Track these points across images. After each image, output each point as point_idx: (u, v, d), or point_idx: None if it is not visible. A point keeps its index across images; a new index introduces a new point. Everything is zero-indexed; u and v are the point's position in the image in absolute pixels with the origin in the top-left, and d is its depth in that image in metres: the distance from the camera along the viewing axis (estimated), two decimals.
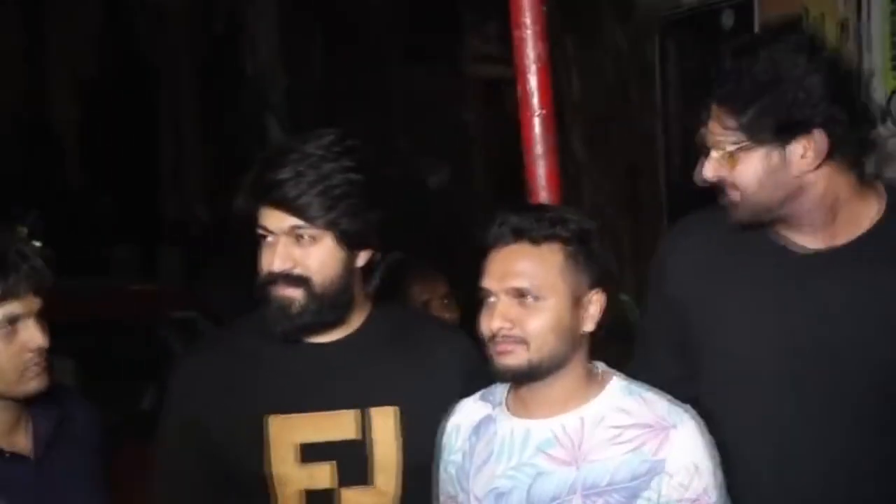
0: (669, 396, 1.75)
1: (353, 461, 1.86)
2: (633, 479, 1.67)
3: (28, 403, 1.93)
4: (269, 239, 1.84)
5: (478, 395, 1.86)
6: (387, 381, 1.89)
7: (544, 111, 2.19)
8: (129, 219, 9.76)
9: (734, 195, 1.84)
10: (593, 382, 1.76)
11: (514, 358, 1.70)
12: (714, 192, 1.89)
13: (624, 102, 5.31)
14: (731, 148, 1.81)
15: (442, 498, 1.86)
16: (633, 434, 1.69)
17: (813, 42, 1.81)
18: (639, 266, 2.12)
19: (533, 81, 2.19)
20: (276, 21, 8.96)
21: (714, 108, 1.82)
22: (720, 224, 1.91)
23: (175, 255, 9.51)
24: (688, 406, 1.74)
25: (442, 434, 1.86)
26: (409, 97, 7.25)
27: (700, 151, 1.87)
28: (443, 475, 1.85)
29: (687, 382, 1.91)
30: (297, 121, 8.06)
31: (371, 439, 1.87)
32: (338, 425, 1.86)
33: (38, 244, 2.08)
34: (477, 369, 1.83)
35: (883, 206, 1.86)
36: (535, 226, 1.72)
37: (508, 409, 1.79)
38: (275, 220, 1.83)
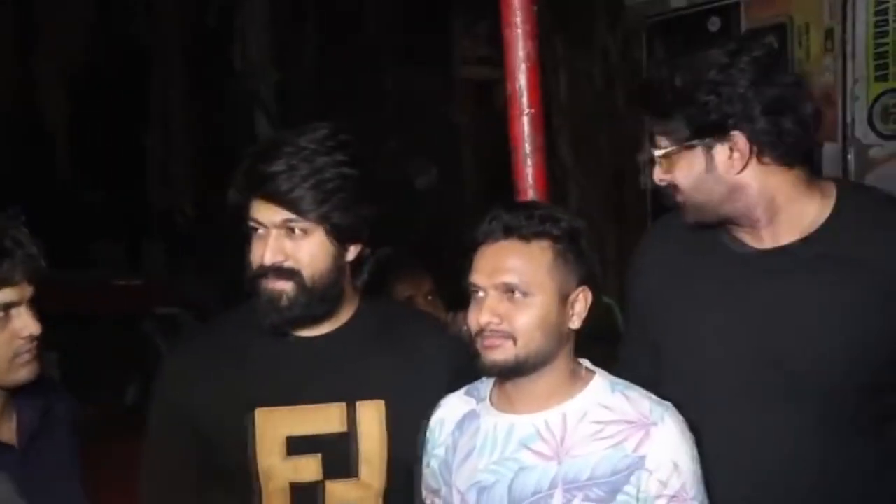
0: (652, 394, 1.77)
1: (338, 454, 1.86)
2: (614, 473, 1.69)
3: (14, 394, 1.91)
4: (261, 231, 1.84)
5: (462, 390, 1.87)
6: (374, 375, 1.89)
7: (533, 110, 2.21)
8: (114, 213, 9.71)
9: (679, 197, 1.89)
10: (577, 379, 1.77)
11: (501, 353, 1.71)
12: None
13: (611, 104, 5.34)
14: (662, 153, 1.86)
15: (425, 492, 1.87)
16: (614, 430, 1.71)
17: (742, 48, 1.82)
18: (623, 270, 2.14)
19: (522, 80, 2.21)
20: (268, 16, 8.94)
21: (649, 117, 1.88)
22: (683, 226, 1.95)
23: (160, 249, 9.48)
24: (669, 404, 1.75)
25: (426, 429, 1.87)
26: (400, 97, 7.26)
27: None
28: (426, 469, 1.86)
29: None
30: (286, 118, 8.04)
31: (357, 432, 1.87)
32: (325, 418, 1.86)
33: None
34: (465, 367, 1.83)
35: (829, 207, 1.85)
36: (526, 223, 1.73)
37: (493, 404, 1.81)
38: (267, 213, 1.82)
